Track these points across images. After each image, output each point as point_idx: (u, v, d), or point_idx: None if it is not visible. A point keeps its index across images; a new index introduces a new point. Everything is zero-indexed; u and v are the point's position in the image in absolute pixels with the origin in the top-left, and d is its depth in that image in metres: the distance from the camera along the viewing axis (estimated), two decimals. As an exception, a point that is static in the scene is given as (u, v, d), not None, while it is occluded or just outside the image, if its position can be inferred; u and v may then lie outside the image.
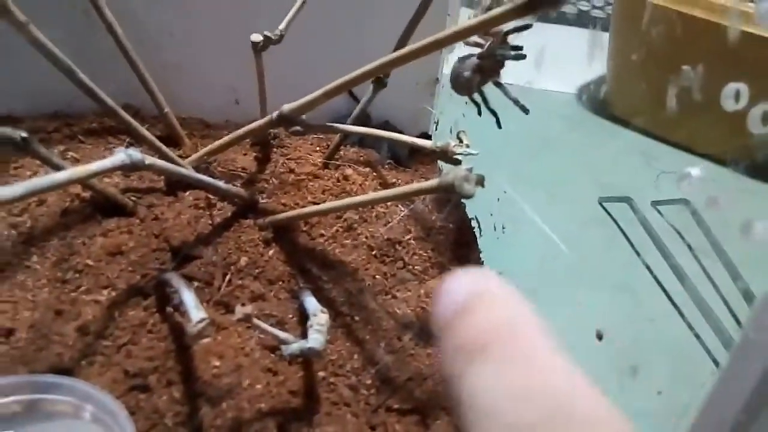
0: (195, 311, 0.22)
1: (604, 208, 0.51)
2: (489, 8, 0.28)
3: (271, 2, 0.31)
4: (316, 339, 0.24)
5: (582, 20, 0.89)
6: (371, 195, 0.30)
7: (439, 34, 0.22)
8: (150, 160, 0.25)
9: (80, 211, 0.30)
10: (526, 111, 0.28)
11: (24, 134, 0.26)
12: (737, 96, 0.19)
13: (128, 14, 0.31)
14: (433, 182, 0.23)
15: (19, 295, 0.27)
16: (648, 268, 0.44)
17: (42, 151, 0.26)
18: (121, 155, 0.24)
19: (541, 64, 0.35)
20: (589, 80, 0.70)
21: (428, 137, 0.41)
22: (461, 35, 0.22)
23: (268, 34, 0.29)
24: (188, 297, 0.23)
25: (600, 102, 0.66)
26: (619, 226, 0.49)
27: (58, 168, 0.28)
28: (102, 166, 0.23)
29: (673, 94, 0.28)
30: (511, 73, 0.31)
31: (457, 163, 0.27)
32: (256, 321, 0.22)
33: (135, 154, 0.24)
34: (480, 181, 0.23)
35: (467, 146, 0.27)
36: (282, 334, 0.23)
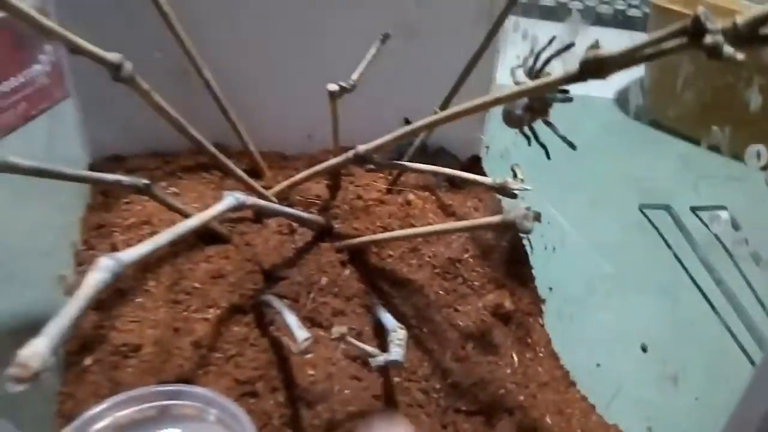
0: (299, 331, 0.27)
1: (644, 215, 0.53)
2: (531, 69, 0.31)
3: (339, 53, 0.35)
4: (397, 352, 0.28)
5: (618, 20, 0.91)
6: (437, 226, 0.34)
7: (489, 96, 0.26)
8: (251, 200, 0.29)
9: (186, 241, 0.34)
10: (573, 147, 0.32)
11: (146, 181, 0.30)
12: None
13: (219, 63, 0.36)
14: (496, 218, 0.27)
15: (141, 315, 0.32)
16: (688, 273, 0.47)
17: (159, 195, 0.31)
18: (230, 199, 0.28)
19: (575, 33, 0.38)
20: (628, 84, 0.72)
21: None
22: (511, 97, 0.26)
23: (343, 84, 0.33)
24: (291, 319, 0.28)
25: (639, 106, 0.68)
26: (659, 233, 0.51)
27: (172, 208, 0.33)
28: (218, 210, 0.27)
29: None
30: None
31: (515, 197, 0.31)
32: (349, 339, 0.27)
33: (240, 196, 0.28)
34: (537, 218, 0.27)
35: (522, 181, 0.31)
36: (370, 349, 0.28)
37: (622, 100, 0.71)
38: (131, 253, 0.22)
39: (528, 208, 0.26)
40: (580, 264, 0.41)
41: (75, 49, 0.25)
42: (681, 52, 0.20)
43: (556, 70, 0.32)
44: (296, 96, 0.38)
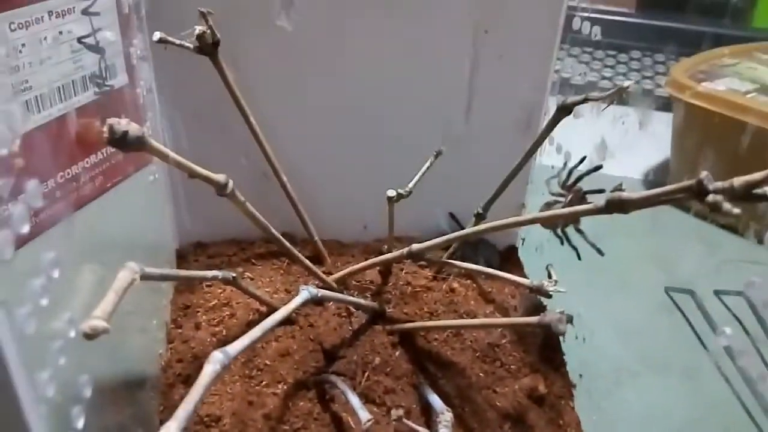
0: (362, 413, 0.31)
1: (670, 297, 0.57)
2: (565, 182, 0.36)
3: (394, 159, 0.40)
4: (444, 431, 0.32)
5: (647, 100, 0.96)
6: (480, 321, 0.38)
7: (526, 216, 0.31)
8: (322, 293, 0.34)
9: (259, 322, 0.39)
10: (601, 253, 0.36)
11: (234, 274, 0.36)
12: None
13: (291, 164, 0.42)
14: (533, 320, 0.31)
15: (221, 389, 0.37)
16: (711, 356, 0.50)
17: (244, 286, 0.36)
18: (305, 293, 0.33)
19: (604, 149, 0.42)
20: (654, 165, 0.76)
21: (515, 249, 0.50)
22: (543, 220, 0.31)
23: (401, 191, 0.39)
24: (354, 400, 0.32)
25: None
26: (684, 315, 0.55)
27: (254, 296, 0.38)
28: (296, 303, 0.32)
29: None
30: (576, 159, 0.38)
31: (549, 297, 0.36)
32: (406, 421, 0.31)
33: (313, 290, 0.34)
34: (569, 320, 0.31)
35: (556, 282, 0.36)
36: (422, 430, 0.32)
37: (648, 181, 0.74)
38: (236, 347, 0.27)
39: (562, 312, 0.31)
40: (608, 349, 0.45)
41: (192, 174, 0.31)
42: (689, 200, 0.25)
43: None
44: (354, 192, 0.44)
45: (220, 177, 0.32)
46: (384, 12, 0.39)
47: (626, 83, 0.30)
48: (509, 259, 0.49)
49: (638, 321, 0.51)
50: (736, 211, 0.24)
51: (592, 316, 0.43)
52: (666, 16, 1.07)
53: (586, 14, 0.41)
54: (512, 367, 0.40)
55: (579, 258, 0.38)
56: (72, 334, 0.22)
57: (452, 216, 0.48)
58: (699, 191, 0.24)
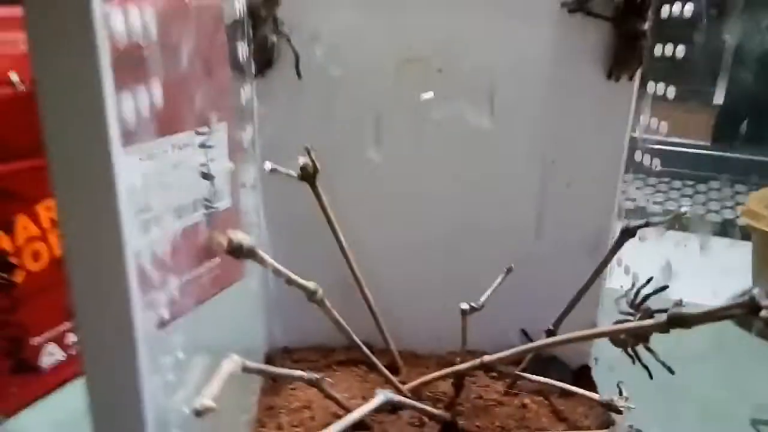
0: None
1: (756, 430, 0.54)
2: (633, 301, 0.38)
3: (468, 274, 0.44)
4: None
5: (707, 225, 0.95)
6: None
7: (594, 330, 0.33)
8: (396, 398, 0.37)
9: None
10: (671, 372, 0.37)
11: (317, 376, 0.39)
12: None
13: (372, 277, 0.46)
14: (602, 433, 0.32)
15: (299, 487, 0.39)
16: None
17: (326, 389, 0.39)
18: (381, 396, 0.36)
19: (669, 270, 0.43)
20: (737, 293, 0.75)
21: (588, 369, 0.50)
22: (608, 334, 0.33)
23: (473, 304, 0.42)
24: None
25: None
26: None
27: (333, 399, 0.41)
28: (374, 405, 0.35)
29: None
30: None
31: (620, 413, 0.36)
32: None
33: (389, 394, 0.36)
34: (638, 435, 0.32)
35: (626, 399, 0.36)
36: None
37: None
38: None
39: (631, 426, 0.32)
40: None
41: (288, 281, 0.35)
42: (746, 316, 0.26)
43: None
44: (431, 306, 0.47)
45: (311, 284, 0.36)
46: (461, 145, 0.45)
47: (683, 209, 0.33)
48: (582, 378, 0.49)
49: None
50: (791, 327, 0.25)
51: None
52: (741, 148, 1.09)
53: (660, 146, 0.44)
54: (585, 487, 0.40)
55: (651, 377, 0.39)
56: (185, 410, 0.25)
57: (524, 332, 0.49)
58: (752, 307, 0.26)
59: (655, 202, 1.06)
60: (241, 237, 0.30)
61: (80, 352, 0.20)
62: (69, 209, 0.18)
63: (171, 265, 0.29)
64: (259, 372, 0.32)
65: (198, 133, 0.61)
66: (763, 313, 0.25)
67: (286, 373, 0.36)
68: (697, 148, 1.16)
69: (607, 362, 0.48)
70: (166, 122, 0.43)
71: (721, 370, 0.56)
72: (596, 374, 0.49)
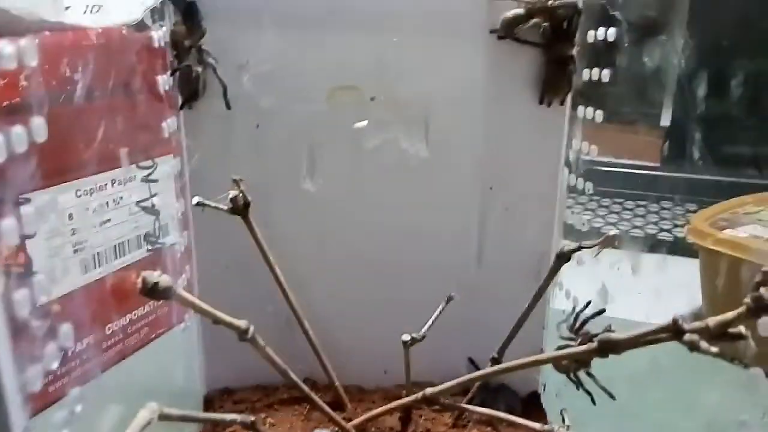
0: None
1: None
2: (572, 326, 0.38)
3: (409, 305, 0.43)
4: None
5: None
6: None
7: (533, 357, 0.32)
8: (335, 437, 0.35)
9: (277, 469, 0.40)
10: (612, 397, 0.36)
11: (252, 418, 0.37)
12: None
13: (313, 312, 0.44)
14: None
15: None
16: None
17: (262, 431, 0.38)
18: (319, 437, 0.34)
19: (606, 294, 0.43)
20: (688, 312, 0.75)
21: (537, 396, 0.49)
22: (545, 361, 0.32)
23: (414, 335, 0.41)
24: None
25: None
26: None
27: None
28: (308, 448, 0.33)
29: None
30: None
31: (561, 442, 0.35)
32: None
33: (326, 434, 0.35)
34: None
35: (568, 427, 0.36)
36: None
37: None
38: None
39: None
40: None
41: (215, 321, 0.34)
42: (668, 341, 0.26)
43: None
44: (374, 338, 0.46)
45: (241, 323, 0.35)
46: (398, 174, 0.44)
47: (612, 232, 0.32)
48: (531, 405, 0.48)
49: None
50: (714, 350, 0.25)
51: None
52: (690, 168, 1.12)
53: (611, 168, 0.44)
54: None
55: (593, 402, 0.38)
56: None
57: (471, 361, 0.49)
58: (676, 331, 0.25)
59: (608, 223, 1.08)
60: (156, 277, 0.29)
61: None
62: None
63: (108, 305, 0.27)
64: (182, 418, 0.31)
65: (140, 167, 0.59)
66: (686, 336, 0.25)
67: (215, 418, 0.34)
68: (647, 170, 1.18)
69: (555, 388, 0.47)
70: (102, 157, 0.42)
71: (671, 388, 0.55)
72: (545, 400, 0.49)
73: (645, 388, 0.53)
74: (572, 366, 0.40)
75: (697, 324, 0.25)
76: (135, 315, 0.57)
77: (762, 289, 0.23)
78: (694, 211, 1.10)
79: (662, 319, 0.33)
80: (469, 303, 0.45)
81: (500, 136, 0.43)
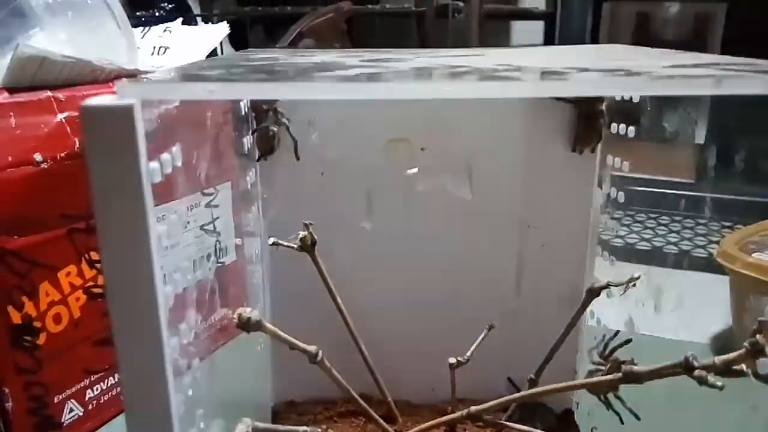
0: None
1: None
2: (602, 353, 0.43)
3: (457, 331, 0.48)
4: None
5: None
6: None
7: (563, 383, 0.37)
8: (392, 449, 0.41)
9: (339, 474, 0.46)
10: (638, 418, 0.41)
11: (319, 430, 0.43)
12: None
13: (368, 336, 0.50)
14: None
15: None
16: None
17: (327, 440, 0.43)
18: (378, 448, 0.40)
19: (632, 325, 0.47)
20: (721, 329, 0.77)
21: (571, 413, 0.54)
22: (573, 387, 0.37)
23: (460, 359, 0.46)
24: None
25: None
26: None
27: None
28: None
29: None
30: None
31: (592, 457, 0.40)
32: None
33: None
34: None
35: (597, 442, 0.40)
36: None
37: (715, 345, 0.75)
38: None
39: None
40: None
41: (291, 347, 0.40)
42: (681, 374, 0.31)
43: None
44: (423, 359, 0.51)
45: (312, 348, 0.41)
46: (445, 215, 0.50)
47: (636, 274, 0.37)
48: (565, 422, 0.53)
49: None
50: (720, 384, 0.29)
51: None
52: (726, 186, 1.14)
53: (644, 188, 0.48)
54: None
55: (621, 422, 0.43)
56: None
57: (510, 381, 0.53)
58: (687, 367, 0.30)
59: (643, 239, 1.10)
60: (249, 313, 0.35)
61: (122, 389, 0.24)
62: (109, 263, 0.23)
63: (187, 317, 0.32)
64: (267, 431, 0.37)
65: (204, 194, 0.66)
66: (695, 372, 0.30)
67: (291, 430, 0.40)
68: (682, 188, 1.20)
69: (587, 407, 0.52)
70: (181, 188, 0.48)
71: (700, 410, 0.59)
72: (578, 418, 0.53)
73: (675, 408, 0.56)
74: (603, 389, 0.44)
75: (705, 361, 0.30)
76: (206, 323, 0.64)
77: (758, 336, 0.28)
78: (730, 227, 1.12)
79: (692, 335, 0.36)
80: (508, 329, 0.50)
81: (537, 181, 0.48)
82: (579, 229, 0.49)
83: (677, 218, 1.19)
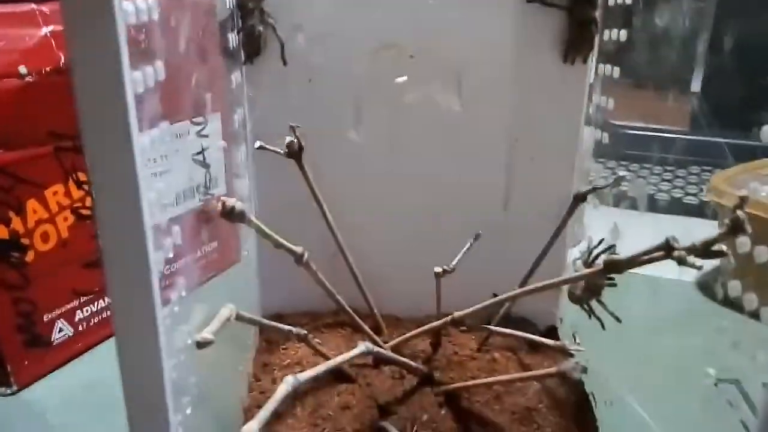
0: (406, 446, 0.37)
1: (717, 388, 0.58)
2: (586, 261, 0.43)
3: (443, 242, 0.48)
4: (479, 471, 0.37)
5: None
6: (512, 375, 0.44)
7: (550, 281, 0.37)
8: (376, 349, 0.41)
9: (324, 378, 0.46)
10: (619, 320, 0.41)
11: (305, 332, 0.44)
12: None
13: (356, 247, 0.50)
14: (553, 369, 0.37)
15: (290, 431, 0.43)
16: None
17: (312, 343, 0.44)
18: (362, 347, 0.40)
19: (617, 232, 0.48)
20: (711, 269, 0.78)
21: (555, 329, 0.55)
22: (558, 284, 0.37)
23: (446, 267, 0.46)
24: (400, 437, 0.38)
25: (723, 291, 0.73)
26: (731, 405, 0.56)
27: (319, 353, 0.45)
28: (354, 353, 0.39)
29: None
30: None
31: (572, 356, 0.41)
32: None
33: (369, 345, 0.41)
34: (584, 370, 0.36)
35: (578, 344, 0.41)
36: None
37: (705, 284, 0.75)
38: (305, 375, 0.34)
39: (577, 362, 0.36)
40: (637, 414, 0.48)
41: (276, 245, 0.39)
42: (664, 258, 0.31)
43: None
44: (410, 273, 0.51)
45: (298, 248, 0.41)
46: (433, 127, 0.49)
47: (621, 173, 0.37)
48: (550, 337, 0.53)
49: (684, 411, 0.53)
50: (699, 263, 0.30)
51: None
52: (720, 132, 1.13)
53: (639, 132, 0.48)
54: (547, 429, 0.44)
55: (603, 327, 0.43)
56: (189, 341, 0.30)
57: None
58: (668, 249, 0.30)
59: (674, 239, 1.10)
60: (233, 202, 0.35)
61: (111, 311, 0.23)
62: (98, 185, 0.22)
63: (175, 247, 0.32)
64: (252, 321, 0.37)
65: (194, 123, 0.65)
66: (675, 253, 0.30)
67: (276, 326, 0.41)
68: (676, 134, 1.20)
69: (571, 320, 0.52)
70: (167, 111, 0.48)
71: (687, 337, 0.60)
72: (562, 333, 0.54)
73: (661, 336, 0.57)
74: (585, 296, 0.45)
75: (686, 243, 0.30)
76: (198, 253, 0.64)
77: (738, 211, 0.28)
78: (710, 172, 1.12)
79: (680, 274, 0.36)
80: (496, 243, 0.50)
81: (527, 91, 0.48)
82: (568, 141, 0.49)
83: (670, 167, 1.19)
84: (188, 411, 0.28)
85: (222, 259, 0.67)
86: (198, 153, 0.69)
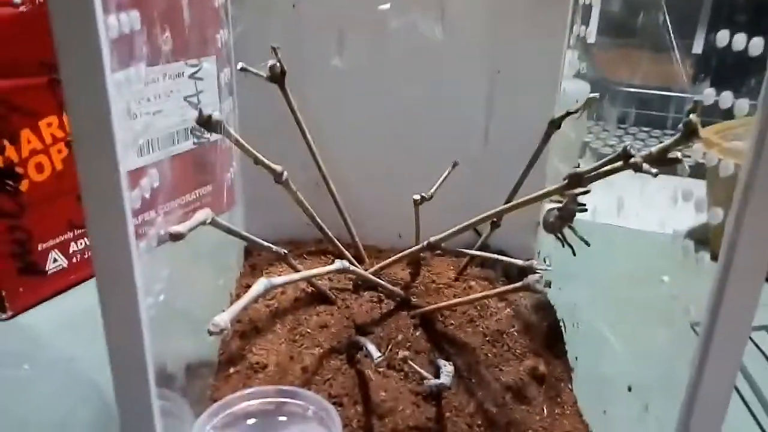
0: (375, 352, 0.38)
1: (695, 331, 0.59)
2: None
3: (423, 174, 0.49)
4: (445, 378, 0.39)
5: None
6: (479, 294, 0.45)
7: (535, 194, 0.38)
8: (352, 268, 0.43)
9: (305, 299, 0.48)
10: (588, 244, 0.43)
11: (285, 251, 0.45)
12: None
13: (339, 177, 0.51)
14: (519, 284, 0.38)
15: (269, 346, 0.45)
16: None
17: (291, 262, 0.45)
18: (338, 264, 0.42)
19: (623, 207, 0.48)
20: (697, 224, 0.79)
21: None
22: (532, 201, 0.38)
23: (424, 194, 0.47)
24: (371, 346, 0.40)
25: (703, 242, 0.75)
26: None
27: (297, 271, 0.47)
28: (332, 269, 0.41)
29: None
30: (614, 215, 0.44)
31: (537, 273, 0.42)
32: (410, 363, 0.38)
33: (345, 263, 0.42)
34: (547, 284, 0.37)
35: (548, 265, 0.42)
36: (425, 373, 0.39)
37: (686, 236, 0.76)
38: (279, 280, 0.35)
39: (541, 276, 0.37)
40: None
41: (256, 161, 0.41)
42: (622, 170, 0.32)
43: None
44: (391, 205, 0.52)
45: (277, 167, 0.42)
46: (416, 57, 0.50)
47: (591, 95, 0.38)
48: (527, 272, 0.55)
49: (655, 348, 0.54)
50: (654, 171, 0.31)
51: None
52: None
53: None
54: (517, 351, 0.46)
55: (574, 254, 0.45)
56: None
57: (475, 230, 0.55)
58: (626, 156, 0.31)
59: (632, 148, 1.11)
60: (210, 111, 0.36)
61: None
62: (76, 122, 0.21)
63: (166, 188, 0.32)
64: (228, 230, 0.38)
65: (188, 65, 0.66)
66: (632, 159, 0.31)
67: (256, 240, 0.42)
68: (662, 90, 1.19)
69: (546, 252, 0.53)
70: (157, 49, 0.49)
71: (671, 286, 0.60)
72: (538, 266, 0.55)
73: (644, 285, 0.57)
74: (558, 223, 0.46)
75: (643, 151, 0.31)
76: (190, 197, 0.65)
77: (692, 116, 0.29)
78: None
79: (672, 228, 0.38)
80: (475, 175, 0.51)
81: (508, 22, 0.48)
82: (549, 73, 0.49)
83: (669, 131, 1.19)
84: (161, 297, 0.29)
85: (216, 203, 0.69)
86: (192, 95, 0.70)
